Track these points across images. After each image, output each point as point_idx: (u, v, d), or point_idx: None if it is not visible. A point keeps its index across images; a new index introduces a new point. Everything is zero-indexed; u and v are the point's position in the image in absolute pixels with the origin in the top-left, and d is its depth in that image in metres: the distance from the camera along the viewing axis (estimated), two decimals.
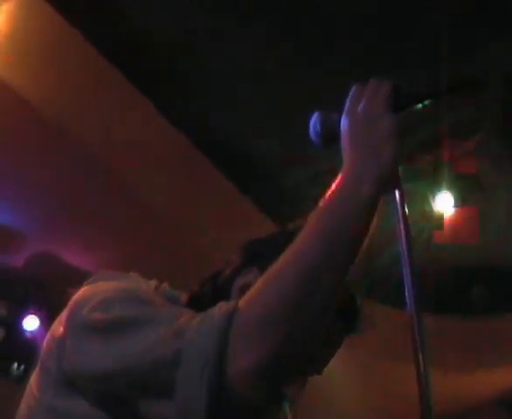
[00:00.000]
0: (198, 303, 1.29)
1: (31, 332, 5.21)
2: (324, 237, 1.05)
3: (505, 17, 3.62)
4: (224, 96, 4.24)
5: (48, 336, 1.28)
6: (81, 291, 1.28)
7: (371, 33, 3.77)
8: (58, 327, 1.24)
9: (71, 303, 1.26)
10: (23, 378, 5.02)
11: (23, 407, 1.29)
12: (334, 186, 1.09)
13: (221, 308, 1.05)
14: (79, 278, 1.37)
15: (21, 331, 5.24)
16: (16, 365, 5.17)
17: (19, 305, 5.30)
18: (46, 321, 5.07)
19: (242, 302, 1.05)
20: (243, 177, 4.79)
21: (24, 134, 4.12)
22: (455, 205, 4.86)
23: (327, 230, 1.06)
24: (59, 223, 4.84)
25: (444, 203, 4.83)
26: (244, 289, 1.24)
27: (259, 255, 1.34)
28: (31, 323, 5.24)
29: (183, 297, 1.38)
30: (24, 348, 5.06)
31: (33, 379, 1.29)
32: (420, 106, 1.14)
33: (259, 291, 1.05)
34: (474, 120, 4.29)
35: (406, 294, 1.07)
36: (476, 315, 6.14)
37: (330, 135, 1.19)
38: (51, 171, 4.36)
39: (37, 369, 1.29)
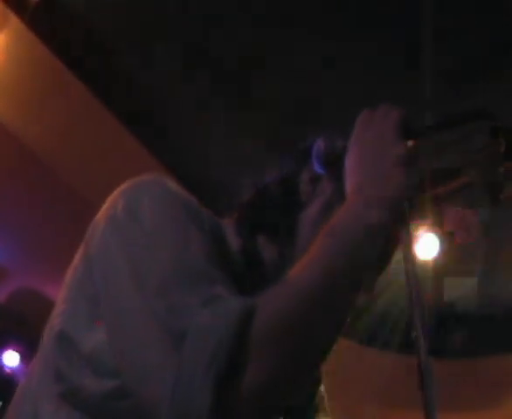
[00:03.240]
0: (260, 213, 1.25)
1: (11, 368, 5.13)
2: (331, 266, 0.97)
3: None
4: None
5: (70, 271, 1.18)
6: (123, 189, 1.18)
7: None
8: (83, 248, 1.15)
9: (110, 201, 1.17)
10: (1, 414, 4.92)
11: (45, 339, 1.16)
12: (340, 212, 1.03)
13: (235, 309, 0.92)
14: None
15: (0, 366, 5.17)
16: None
17: None
18: (27, 357, 5.00)
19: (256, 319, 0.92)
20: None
21: (7, 169, 4.11)
22: (440, 248, 4.85)
23: (334, 258, 0.98)
24: (42, 259, 4.80)
25: (429, 246, 4.82)
26: (314, 179, 1.22)
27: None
28: (10, 359, 5.17)
29: (226, 220, 1.25)
30: (4, 384, 4.98)
31: (56, 310, 1.16)
32: (430, 135, 1.08)
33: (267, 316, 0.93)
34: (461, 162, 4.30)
35: (414, 338, 0.98)
36: (455, 357, 6.12)
37: (334, 162, 1.13)
38: (33, 207, 4.34)
39: (62, 299, 1.17)
